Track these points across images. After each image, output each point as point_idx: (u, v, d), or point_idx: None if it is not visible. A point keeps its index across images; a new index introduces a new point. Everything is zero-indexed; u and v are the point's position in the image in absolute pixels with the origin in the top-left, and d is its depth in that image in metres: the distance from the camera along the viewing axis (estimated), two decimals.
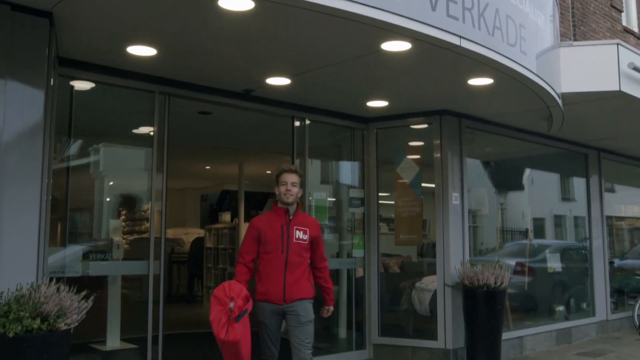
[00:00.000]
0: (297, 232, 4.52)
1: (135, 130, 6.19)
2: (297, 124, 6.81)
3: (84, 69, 5.22)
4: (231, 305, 4.10)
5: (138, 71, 5.46)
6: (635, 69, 6.48)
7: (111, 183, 6.01)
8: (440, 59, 5.06)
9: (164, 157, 5.68)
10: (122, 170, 6.08)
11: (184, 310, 11.57)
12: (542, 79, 5.66)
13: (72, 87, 5.35)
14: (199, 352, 7.36)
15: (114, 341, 5.72)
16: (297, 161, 6.74)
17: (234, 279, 4.50)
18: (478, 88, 5.94)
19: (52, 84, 4.55)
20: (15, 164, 4.14)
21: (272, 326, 4.51)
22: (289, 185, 4.50)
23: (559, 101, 6.27)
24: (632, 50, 6.65)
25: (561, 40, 7.74)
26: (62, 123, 5.25)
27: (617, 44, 6.47)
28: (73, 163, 5.65)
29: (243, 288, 4.26)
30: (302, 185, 4.82)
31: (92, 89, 5.47)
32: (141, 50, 4.89)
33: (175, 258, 13.43)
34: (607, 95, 6.52)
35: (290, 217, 4.56)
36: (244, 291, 4.23)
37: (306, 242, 4.56)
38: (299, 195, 4.60)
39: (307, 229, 4.59)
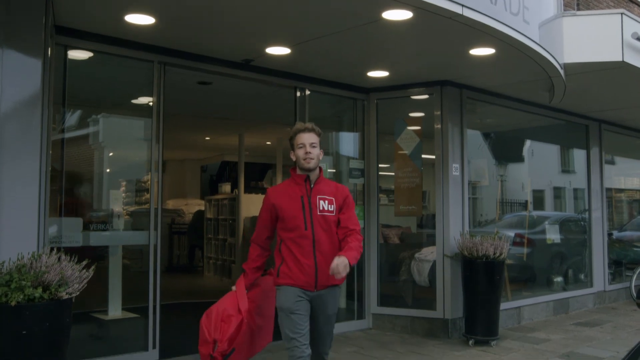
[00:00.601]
0: (321, 202, 3.78)
1: (134, 101, 6.15)
2: (298, 94, 6.77)
3: (81, 37, 5.17)
4: (214, 347, 3.83)
5: (136, 40, 5.41)
6: (639, 39, 6.41)
7: (111, 154, 5.99)
8: (441, 28, 5.00)
9: (159, 126, 5.64)
10: (121, 140, 6.05)
11: (185, 280, 11.67)
12: (544, 49, 5.61)
13: (70, 56, 5.30)
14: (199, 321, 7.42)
15: (115, 310, 5.77)
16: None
17: (244, 264, 4.11)
18: (480, 58, 5.88)
19: (49, 53, 4.51)
20: (14, 135, 4.13)
21: (301, 310, 3.75)
22: (308, 147, 3.74)
23: (561, 71, 6.22)
24: (636, 20, 6.57)
25: (564, 10, 7.65)
26: (60, 93, 5.22)
27: (621, 14, 6.39)
28: (73, 134, 5.62)
29: (230, 327, 3.86)
30: None
31: (90, 58, 5.43)
32: (139, 19, 4.84)
33: (176, 229, 13.50)
34: (610, 66, 6.46)
35: (312, 185, 3.82)
36: (230, 330, 3.85)
37: (333, 214, 3.82)
38: (321, 157, 3.85)
39: (333, 198, 3.84)
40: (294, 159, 3.83)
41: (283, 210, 3.78)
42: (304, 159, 3.75)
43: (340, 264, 3.57)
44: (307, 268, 3.74)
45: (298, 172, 3.83)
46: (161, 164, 5.70)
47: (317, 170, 3.83)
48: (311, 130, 3.81)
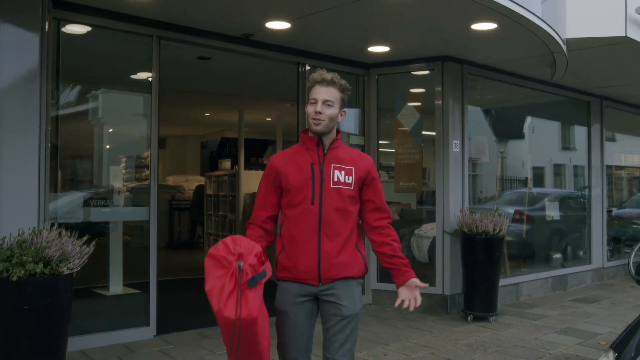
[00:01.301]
0: (337, 172, 2.92)
1: (133, 76, 6.11)
2: (300, 70, 6.71)
3: (79, 11, 5.10)
4: (239, 264, 2.58)
5: (135, 14, 5.35)
6: None
7: (110, 130, 5.96)
8: (443, 2, 4.95)
9: (157, 102, 5.61)
10: (121, 116, 6.02)
11: (185, 256, 11.73)
12: (546, 24, 5.54)
13: (68, 30, 5.25)
14: (199, 297, 7.48)
15: (116, 286, 5.81)
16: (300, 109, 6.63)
17: None
18: (481, 33, 5.83)
19: (46, 27, 4.46)
20: (13, 111, 4.11)
21: (299, 318, 2.89)
22: (319, 105, 2.87)
23: (564, 47, 6.16)
24: None
25: None
26: (59, 68, 5.17)
27: None
28: (71, 110, 5.59)
29: (256, 245, 2.73)
30: None
31: (88, 32, 5.37)
32: None
33: (176, 205, 13.53)
34: (613, 41, 6.40)
35: (325, 151, 2.96)
36: (258, 248, 2.70)
37: (351, 188, 2.94)
38: (339, 120, 2.97)
39: (352, 168, 2.96)
40: (306, 114, 3.02)
41: (289, 180, 2.92)
42: (312, 119, 2.90)
43: (416, 293, 2.93)
44: (307, 254, 2.86)
45: (310, 134, 2.98)
46: (157, 140, 5.68)
47: (334, 134, 2.99)
48: (330, 83, 2.91)
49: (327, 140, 2.97)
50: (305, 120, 3.12)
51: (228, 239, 2.67)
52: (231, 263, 2.59)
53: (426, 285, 2.96)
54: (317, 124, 2.89)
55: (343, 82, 2.94)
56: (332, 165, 2.94)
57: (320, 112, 2.87)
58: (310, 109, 2.91)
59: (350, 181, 2.94)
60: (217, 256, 2.64)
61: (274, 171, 2.97)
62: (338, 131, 3.01)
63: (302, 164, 2.93)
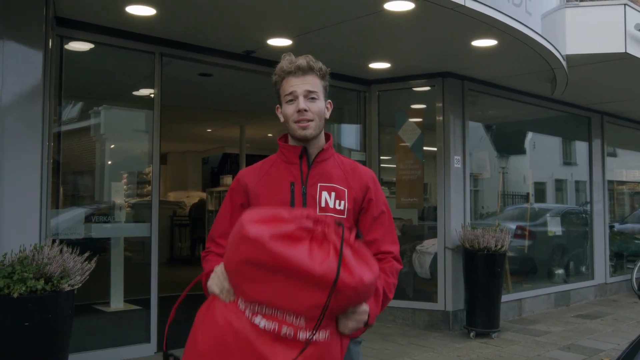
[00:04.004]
0: (324, 194, 2.12)
1: (135, 93, 6.14)
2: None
3: (82, 29, 5.15)
4: (338, 222, 1.81)
5: (137, 32, 5.39)
6: None
7: (112, 146, 5.98)
8: (443, 19, 4.98)
9: (159, 118, 5.64)
10: (123, 132, 6.04)
11: (187, 272, 11.69)
12: (546, 40, 5.58)
13: (71, 48, 5.29)
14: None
15: (117, 302, 5.79)
16: None
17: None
18: (482, 49, 5.86)
19: (50, 44, 4.50)
20: (15, 127, 4.13)
21: None
22: (302, 101, 2.10)
23: (564, 63, 6.19)
24: (639, 11, 6.54)
25: (567, 1, 7.60)
26: (61, 85, 5.21)
27: (624, 5, 6.35)
28: (74, 126, 5.62)
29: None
30: None
31: (91, 50, 5.41)
32: (140, 10, 4.82)
33: (177, 221, 13.52)
34: (613, 57, 6.44)
35: (310, 164, 2.16)
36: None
37: (344, 217, 2.11)
38: (327, 116, 2.20)
39: (345, 189, 2.14)
40: (281, 118, 2.21)
41: (259, 203, 2.11)
42: (296, 122, 2.11)
43: (355, 317, 1.87)
44: None
45: (290, 142, 2.20)
46: (159, 156, 5.69)
47: (321, 139, 2.18)
48: (307, 70, 2.12)
49: (314, 149, 2.16)
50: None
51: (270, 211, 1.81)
52: (299, 217, 1.77)
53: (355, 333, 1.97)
54: (305, 127, 2.10)
55: (320, 64, 2.16)
56: (319, 184, 2.13)
57: (305, 110, 2.09)
58: (289, 109, 2.12)
59: (342, 207, 2.11)
60: (274, 217, 1.77)
61: (241, 189, 2.19)
62: (328, 136, 2.21)
63: (279, 183, 2.15)
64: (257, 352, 1.72)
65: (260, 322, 1.74)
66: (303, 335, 1.73)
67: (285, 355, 1.71)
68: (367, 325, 1.94)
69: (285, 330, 1.73)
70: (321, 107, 2.14)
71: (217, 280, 1.86)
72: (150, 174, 5.70)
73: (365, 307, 1.90)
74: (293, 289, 1.71)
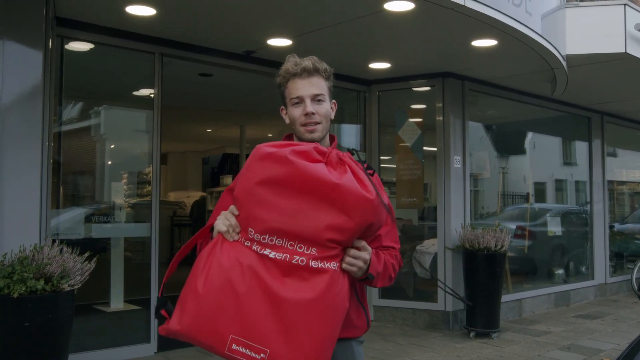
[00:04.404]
0: None
1: (135, 93, 6.14)
2: None
3: (82, 29, 5.16)
4: (351, 150, 2.01)
5: (137, 32, 5.39)
6: None
7: (112, 146, 5.99)
8: (443, 19, 4.98)
9: (159, 118, 5.64)
10: (123, 132, 6.05)
11: (187, 272, 11.68)
12: (546, 40, 5.58)
13: (71, 48, 5.29)
14: None
15: (117, 302, 5.79)
16: None
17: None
18: (482, 49, 5.86)
19: (50, 44, 4.50)
20: (15, 127, 4.13)
21: None
22: (309, 104, 2.10)
23: (564, 63, 6.19)
24: (639, 11, 6.54)
25: (567, 1, 7.60)
26: (62, 85, 5.21)
27: (625, 5, 6.35)
28: (74, 126, 5.62)
29: None
30: None
31: (91, 50, 5.41)
32: (140, 10, 4.82)
33: (177, 221, 13.52)
34: (613, 57, 6.43)
35: None
36: None
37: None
38: (332, 116, 2.21)
39: None
40: (287, 120, 2.20)
41: None
42: (304, 125, 2.10)
43: (358, 254, 1.86)
44: None
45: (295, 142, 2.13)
46: (159, 156, 5.69)
47: (326, 140, 2.19)
48: (313, 71, 2.12)
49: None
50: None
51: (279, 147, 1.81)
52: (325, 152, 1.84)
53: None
54: (312, 131, 2.09)
55: (325, 65, 2.17)
56: None
57: (313, 113, 2.09)
58: (296, 112, 2.11)
59: None
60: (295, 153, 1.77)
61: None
62: (332, 137, 2.22)
63: None
64: (266, 286, 1.71)
65: (271, 253, 1.73)
66: (315, 264, 1.74)
67: (296, 289, 1.71)
68: (367, 274, 1.94)
69: (297, 258, 1.73)
70: (327, 108, 2.15)
71: (223, 219, 1.86)
72: (150, 174, 5.70)
73: (367, 246, 1.91)
74: (309, 209, 1.72)
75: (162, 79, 5.66)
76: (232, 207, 1.87)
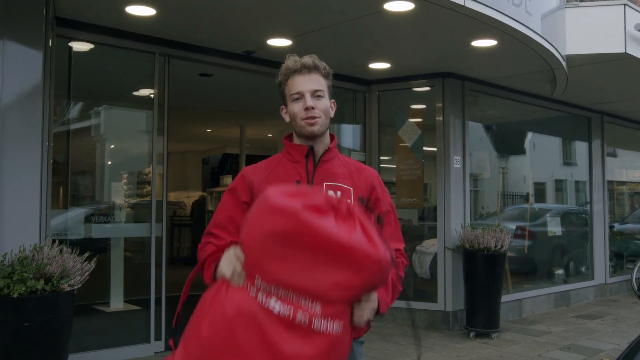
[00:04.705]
0: (330, 193, 2.15)
1: (135, 93, 6.15)
2: None
3: (82, 29, 5.15)
4: (361, 199, 2.09)
5: (137, 32, 5.39)
6: None
7: (112, 146, 5.99)
8: (443, 19, 4.98)
9: (165, 119, 5.65)
10: (123, 133, 6.05)
11: (187, 272, 11.68)
12: (546, 41, 5.58)
13: (71, 48, 5.29)
14: None
15: (117, 302, 5.79)
16: None
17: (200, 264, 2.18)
18: (482, 50, 5.86)
19: (50, 44, 4.50)
20: (15, 127, 4.13)
21: None
22: (309, 99, 2.15)
23: (563, 63, 6.19)
24: (639, 12, 6.54)
25: (567, 1, 7.61)
26: (62, 85, 5.21)
27: (624, 5, 6.35)
28: (74, 126, 5.62)
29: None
30: None
31: (91, 50, 5.41)
32: (140, 10, 4.82)
33: (177, 221, 13.52)
34: (613, 58, 6.44)
35: (316, 164, 2.21)
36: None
37: None
38: (332, 114, 2.27)
39: (351, 188, 2.19)
40: (287, 118, 2.26)
41: None
42: (304, 119, 2.15)
43: (368, 306, 1.87)
44: None
45: (296, 141, 2.25)
46: (166, 157, 5.69)
47: (327, 138, 2.25)
48: (313, 68, 2.18)
49: (320, 148, 2.21)
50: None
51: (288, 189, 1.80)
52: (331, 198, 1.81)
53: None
54: (312, 124, 2.14)
55: (324, 64, 2.23)
56: (325, 183, 2.18)
57: (313, 107, 2.14)
58: (296, 107, 2.16)
59: None
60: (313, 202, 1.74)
61: (246, 186, 2.18)
62: (332, 136, 2.28)
63: (285, 181, 2.15)
64: (267, 339, 1.69)
65: (275, 305, 1.71)
66: (317, 324, 1.72)
67: (297, 345, 1.70)
68: (379, 313, 1.95)
69: (300, 316, 1.70)
70: (327, 105, 2.20)
71: (228, 262, 1.83)
72: (150, 174, 5.70)
73: (374, 295, 1.91)
74: (316, 265, 1.70)
75: (165, 79, 5.66)
76: (238, 251, 1.83)
